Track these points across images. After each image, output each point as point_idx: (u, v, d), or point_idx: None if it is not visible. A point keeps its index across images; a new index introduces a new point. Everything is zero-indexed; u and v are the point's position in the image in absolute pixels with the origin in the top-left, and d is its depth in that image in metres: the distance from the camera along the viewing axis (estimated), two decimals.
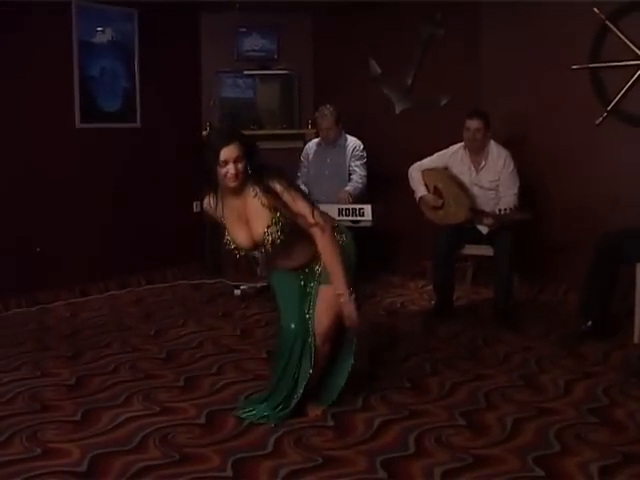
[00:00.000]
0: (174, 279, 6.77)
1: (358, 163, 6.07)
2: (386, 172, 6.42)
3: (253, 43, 6.78)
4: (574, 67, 5.54)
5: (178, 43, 6.64)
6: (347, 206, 5.65)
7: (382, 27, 6.60)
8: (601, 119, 5.49)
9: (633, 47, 5.26)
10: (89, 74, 6.13)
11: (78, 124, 6.08)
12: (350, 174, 6.07)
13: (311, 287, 3.54)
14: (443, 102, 6.43)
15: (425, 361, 4.40)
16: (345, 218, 5.56)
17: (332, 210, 5.55)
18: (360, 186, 6.00)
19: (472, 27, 6.20)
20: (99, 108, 6.23)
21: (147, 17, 6.42)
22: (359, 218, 5.58)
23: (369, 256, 6.55)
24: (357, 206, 5.61)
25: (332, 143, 6.10)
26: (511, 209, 5.00)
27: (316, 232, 3.37)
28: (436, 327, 5.13)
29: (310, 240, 3.43)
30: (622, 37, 5.29)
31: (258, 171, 3.33)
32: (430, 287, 6.07)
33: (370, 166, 6.16)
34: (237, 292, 6.11)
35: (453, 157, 5.47)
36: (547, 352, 4.54)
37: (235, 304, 5.90)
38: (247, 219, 3.37)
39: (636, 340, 4.67)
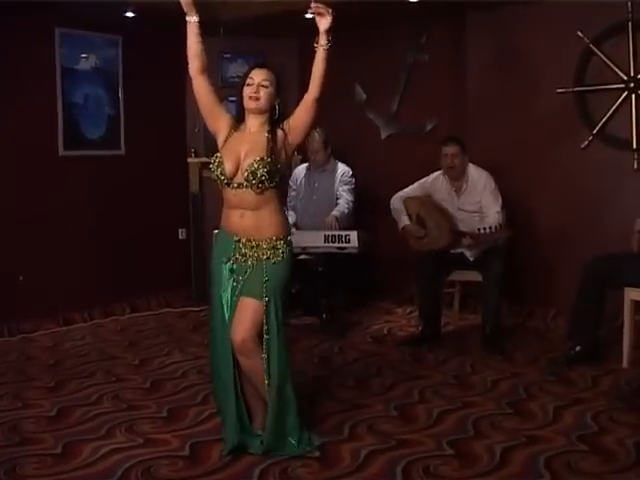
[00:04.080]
0: (159, 307, 6.69)
1: (345, 188, 6.04)
2: (373, 198, 6.40)
3: (238, 69, 6.73)
4: (559, 91, 5.56)
5: (162, 69, 6.60)
6: (333, 233, 5.60)
7: (367, 52, 6.61)
8: (587, 143, 5.50)
9: (617, 70, 5.28)
10: (73, 101, 6.09)
11: (62, 151, 6.04)
12: (337, 198, 6.03)
13: (239, 281, 3.36)
14: (429, 127, 6.44)
15: (412, 389, 4.34)
16: (331, 245, 5.52)
17: (318, 237, 5.53)
18: (346, 211, 5.95)
19: (457, 52, 6.22)
20: (83, 135, 6.18)
21: (131, 44, 6.39)
22: (345, 245, 5.52)
23: (356, 283, 6.58)
24: (343, 233, 5.56)
25: (321, 167, 6.07)
26: (496, 227, 4.95)
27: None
28: (423, 354, 5.09)
29: (282, 215, 3.42)
30: (606, 60, 5.32)
31: (280, 115, 3.36)
32: (417, 312, 6.03)
33: (357, 192, 6.12)
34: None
35: (434, 184, 5.47)
36: (535, 378, 4.50)
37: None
38: (244, 153, 3.31)
39: (625, 365, 4.64)
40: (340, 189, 6.06)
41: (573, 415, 3.87)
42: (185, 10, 3.34)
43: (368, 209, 6.32)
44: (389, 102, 6.65)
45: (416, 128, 6.51)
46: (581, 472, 3.20)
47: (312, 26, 3.26)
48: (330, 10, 3.21)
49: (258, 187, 3.29)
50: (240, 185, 3.31)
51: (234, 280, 3.38)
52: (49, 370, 4.84)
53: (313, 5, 3.24)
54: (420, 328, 5.51)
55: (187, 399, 4.24)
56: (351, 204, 6.02)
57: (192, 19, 3.35)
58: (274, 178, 3.32)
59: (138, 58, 6.44)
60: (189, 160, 6.90)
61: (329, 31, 3.23)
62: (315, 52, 3.26)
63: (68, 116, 6.06)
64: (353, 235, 5.53)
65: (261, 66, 3.39)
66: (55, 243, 6.01)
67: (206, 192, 6.95)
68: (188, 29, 3.37)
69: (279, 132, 3.37)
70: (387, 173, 6.47)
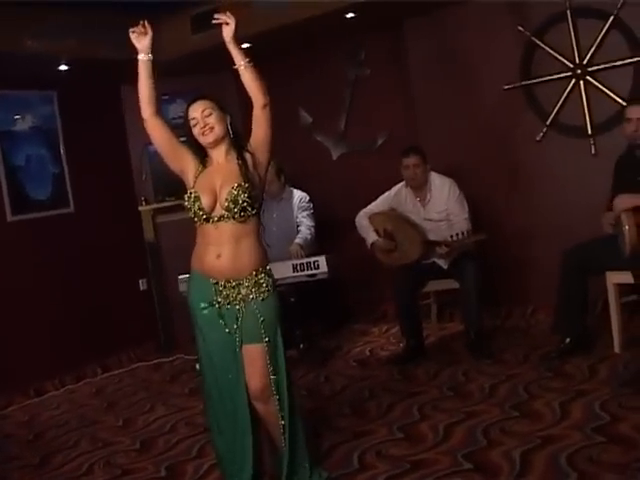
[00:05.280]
0: (130, 362, 6.45)
1: (305, 214, 5.92)
2: (332, 220, 6.32)
3: (178, 109, 6.59)
4: (506, 87, 5.56)
5: (102, 119, 6.45)
6: (301, 261, 5.46)
7: (306, 75, 6.54)
8: (541, 134, 5.50)
9: (562, 59, 5.30)
10: (15, 164, 5.87)
11: (10, 217, 5.81)
12: (298, 226, 5.92)
13: (234, 330, 3.22)
14: (380, 142, 6.37)
15: (410, 407, 4.22)
16: (300, 273, 5.38)
17: (286, 267, 5.37)
18: (309, 237, 5.83)
19: (398, 62, 6.18)
20: (29, 197, 5.96)
21: (67, 98, 6.21)
22: (315, 271, 5.37)
23: (328, 308, 6.46)
24: (311, 259, 5.41)
25: (276, 197, 5.95)
26: (463, 233, 4.91)
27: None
28: (412, 370, 4.96)
29: (261, 247, 3.29)
30: (550, 51, 5.33)
31: (238, 135, 3.26)
32: (395, 330, 5.96)
33: (315, 216, 6.01)
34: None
35: (397, 197, 5.40)
36: (532, 377, 4.41)
37: (200, 379, 5.58)
38: (219, 184, 3.19)
39: (617, 350, 4.60)
40: (299, 216, 5.95)
41: (581, 408, 3.79)
42: (137, 47, 3.20)
43: (328, 232, 6.21)
44: (336, 122, 6.58)
45: (367, 144, 6.45)
46: (606, 464, 3.11)
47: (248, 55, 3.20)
48: (232, 16, 3.16)
49: (241, 215, 3.16)
50: (221, 217, 3.18)
51: (226, 327, 3.24)
52: (30, 446, 4.60)
53: (216, 15, 3.19)
54: (403, 345, 5.40)
55: (182, 454, 4.06)
56: (313, 229, 5.90)
57: (145, 57, 3.21)
58: (255, 204, 3.20)
59: (76, 112, 6.27)
60: (140, 208, 6.74)
61: (239, 46, 3.19)
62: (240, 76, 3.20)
63: (12, 180, 5.83)
64: (322, 260, 5.39)
65: (194, 101, 3.26)
66: (14, 314, 5.75)
67: (162, 238, 6.79)
68: (140, 69, 3.22)
69: (247, 155, 3.26)
70: (344, 193, 6.41)
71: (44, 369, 5.90)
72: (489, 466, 3.28)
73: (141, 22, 3.21)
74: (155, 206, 6.74)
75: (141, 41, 3.19)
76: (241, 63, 3.18)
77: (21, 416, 5.35)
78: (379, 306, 6.56)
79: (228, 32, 3.18)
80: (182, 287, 5.41)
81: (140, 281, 6.83)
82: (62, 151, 6.21)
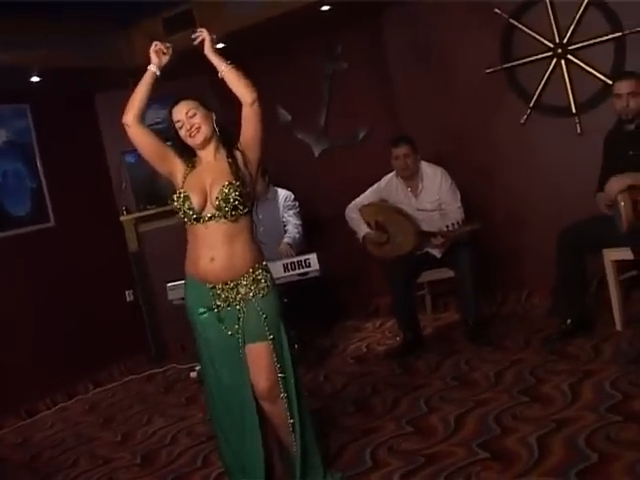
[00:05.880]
0: (122, 376, 6.30)
1: (291, 213, 5.85)
2: (318, 217, 6.25)
3: (154, 115, 6.44)
4: (488, 71, 5.50)
5: (78, 130, 6.32)
6: (291, 260, 5.36)
7: (283, 72, 6.42)
8: (525, 117, 5.44)
9: (542, 39, 5.25)
10: None
11: None
12: (285, 225, 5.84)
13: (235, 330, 3.15)
14: (362, 135, 6.28)
15: (416, 400, 4.14)
16: (292, 272, 5.28)
17: (277, 267, 5.26)
18: (297, 235, 5.76)
19: (376, 53, 6.10)
20: (9, 214, 5.80)
21: (40, 110, 6.07)
22: (306, 270, 5.27)
23: (320, 306, 6.37)
24: (302, 257, 5.32)
25: (261, 198, 5.85)
26: (459, 223, 4.86)
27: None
28: (412, 363, 4.88)
29: (255, 244, 3.21)
30: (529, 32, 5.27)
31: (225, 132, 3.19)
32: (390, 324, 5.92)
33: (302, 214, 5.93)
34: (193, 374, 5.71)
35: (388, 188, 5.32)
36: (536, 361, 4.35)
37: (195, 387, 5.49)
38: (209, 183, 3.12)
39: (619, 328, 4.56)
40: (286, 215, 5.88)
41: (591, 388, 3.73)
42: (153, 60, 3.18)
43: (315, 230, 6.14)
44: (316, 118, 6.48)
45: (349, 139, 6.35)
46: (625, 443, 3.06)
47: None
48: (207, 32, 3.17)
49: (232, 214, 3.07)
50: (212, 216, 3.09)
51: (227, 329, 3.15)
52: (28, 468, 4.47)
53: (193, 36, 3.19)
54: (400, 338, 5.33)
55: (187, 465, 3.95)
56: (300, 228, 5.83)
57: (155, 69, 3.18)
58: (247, 201, 3.12)
59: (50, 124, 6.13)
60: (122, 218, 6.61)
61: (218, 53, 3.16)
62: (225, 82, 3.16)
63: None
64: (313, 258, 5.30)
65: (176, 103, 3.19)
66: (1, 333, 5.60)
67: (146, 247, 6.67)
68: (145, 77, 3.18)
69: (237, 153, 3.18)
70: (328, 190, 6.33)
71: (34, 388, 5.75)
72: (506, 454, 3.21)
73: (167, 44, 3.22)
74: (137, 215, 6.62)
75: (159, 57, 3.19)
76: (222, 69, 3.13)
77: (14, 439, 5.20)
78: (371, 301, 6.50)
79: (207, 46, 3.17)
80: (171, 295, 5.31)
81: (126, 292, 6.70)
82: (39, 165, 6.07)
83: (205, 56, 3.19)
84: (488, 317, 5.44)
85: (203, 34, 3.17)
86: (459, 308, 5.36)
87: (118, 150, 6.43)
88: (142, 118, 3.18)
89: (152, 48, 3.18)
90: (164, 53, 3.18)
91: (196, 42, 3.19)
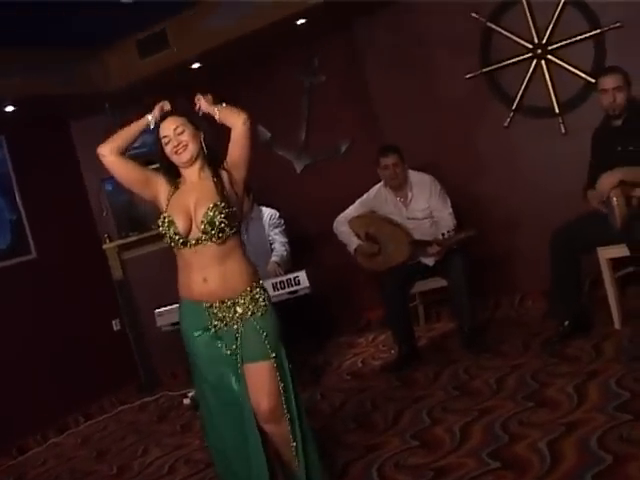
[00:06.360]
0: (113, 407, 6.18)
1: (277, 231, 5.78)
2: (304, 234, 6.16)
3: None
4: (468, 76, 5.47)
5: (55, 159, 6.23)
6: (281, 279, 5.27)
7: (261, 90, 6.36)
8: (509, 120, 5.41)
9: (520, 41, 5.24)
10: None
11: None
12: (272, 244, 5.76)
13: (234, 350, 3.06)
14: (343, 148, 6.23)
15: (418, 413, 4.05)
16: (282, 291, 5.18)
17: (266, 286, 5.18)
18: (285, 254, 5.69)
19: (353, 65, 6.06)
20: None
21: (16, 140, 5.97)
22: (296, 287, 5.18)
23: (311, 324, 6.27)
24: (291, 275, 5.23)
25: (246, 217, 5.76)
26: (453, 230, 4.80)
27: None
28: (410, 375, 4.79)
29: (249, 262, 3.15)
30: (508, 34, 5.26)
31: (212, 151, 3.11)
32: (383, 337, 5.84)
33: (288, 232, 5.84)
34: (186, 401, 5.59)
35: (376, 199, 5.26)
36: (537, 365, 4.27)
37: (189, 414, 5.36)
38: (193, 205, 3.03)
39: (617, 326, 4.50)
40: (272, 233, 5.80)
41: (597, 389, 3.66)
42: (154, 114, 3.11)
43: (301, 247, 6.05)
44: (296, 134, 6.42)
45: (330, 152, 6.29)
46: (639, 441, 2.97)
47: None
48: (201, 96, 3.18)
49: (219, 237, 2.98)
50: (199, 240, 3.00)
51: (225, 348, 3.05)
52: None
53: (196, 109, 3.19)
54: (395, 351, 5.24)
55: None
56: (287, 246, 5.76)
57: (151, 120, 3.10)
58: (233, 223, 3.03)
59: (27, 154, 6.03)
60: (105, 246, 6.50)
61: (211, 103, 3.15)
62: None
63: None
64: (302, 275, 5.21)
65: (164, 118, 3.09)
66: None
67: (130, 274, 6.56)
68: (140, 122, 3.12)
69: (223, 173, 3.10)
70: (312, 206, 6.26)
71: (24, 425, 5.61)
72: (518, 462, 3.12)
73: (171, 109, 3.17)
74: (120, 242, 6.51)
75: (159, 113, 3.12)
76: (216, 112, 3.10)
77: (6, 479, 5.05)
78: (361, 315, 6.43)
79: (205, 106, 3.15)
80: (160, 322, 5.20)
81: (113, 322, 6.59)
82: (17, 196, 5.96)
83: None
84: (483, 323, 5.37)
85: (200, 101, 3.15)
86: (454, 316, 5.29)
87: (97, 178, 6.32)
88: (122, 154, 3.11)
89: (160, 104, 3.14)
90: (167, 111, 3.14)
91: (201, 111, 3.17)
